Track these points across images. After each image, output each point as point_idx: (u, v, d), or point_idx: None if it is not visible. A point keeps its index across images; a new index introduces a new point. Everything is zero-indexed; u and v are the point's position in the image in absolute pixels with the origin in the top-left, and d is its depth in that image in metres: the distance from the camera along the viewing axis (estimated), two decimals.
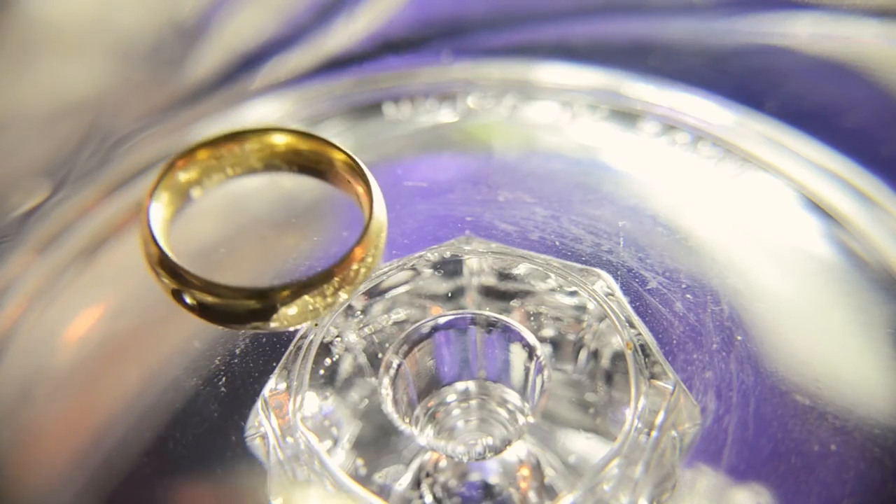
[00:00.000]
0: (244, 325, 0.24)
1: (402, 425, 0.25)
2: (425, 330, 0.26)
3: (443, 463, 0.26)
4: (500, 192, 0.32)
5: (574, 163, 0.35)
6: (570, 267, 0.28)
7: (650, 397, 0.25)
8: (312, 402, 0.26)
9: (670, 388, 0.25)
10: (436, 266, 0.28)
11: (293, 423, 0.25)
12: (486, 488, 0.26)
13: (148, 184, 0.26)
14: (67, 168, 0.33)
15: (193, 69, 0.36)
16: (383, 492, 0.25)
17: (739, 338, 0.28)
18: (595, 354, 0.27)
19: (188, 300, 0.24)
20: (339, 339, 0.27)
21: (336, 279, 0.24)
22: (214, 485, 0.26)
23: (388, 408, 0.25)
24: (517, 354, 0.26)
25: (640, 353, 0.26)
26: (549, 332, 0.27)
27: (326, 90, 0.37)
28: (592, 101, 0.36)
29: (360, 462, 0.26)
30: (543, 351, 0.26)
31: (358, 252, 0.24)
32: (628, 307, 0.27)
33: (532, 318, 0.27)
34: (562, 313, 0.27)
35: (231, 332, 0.28)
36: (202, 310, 0.24)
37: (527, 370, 0.26)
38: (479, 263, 0.28)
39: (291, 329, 0.26)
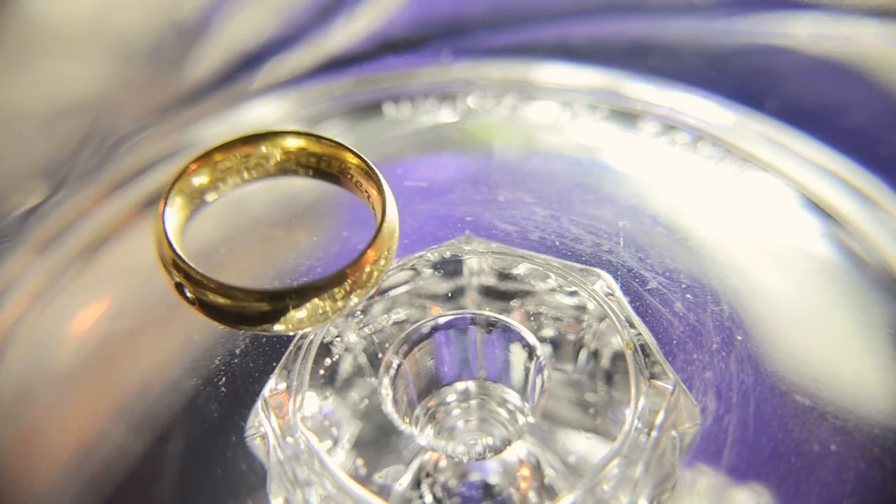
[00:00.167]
0: (253, 328, 0.24)
1: (402, 425, 0.25)
2: (425, 330, 0.26)
3: (443, 463, 0.26)
4: (500, 192, 0.32)
5: (574, 163, 0.35)
6: (570, 267, 0.28)
7: (650, 397, 0.25)
8: (312, 402, 0.26)
9: (670, 388, 0.25)
10: (436, 266, 0.28)
11: (293, 423, 0.25)
12: (486, 488, 0.26)
13: (148, 184, 0.26)
14: (67, 168, 0.33)
15: (193, 69, 0.36)
16: (383, 492, 0.25)
17: (739, 338, 0.28)
18: (595, 354, 0.27)
19: (202, 301, 0.24)
20: (339, 339, 0.27)
21: (348, 282, 0.24)
22: (214, 485, 0.26)
23: (388, 408, 0.25)
24: (517, 354, 0.26)
25: (640, 353, 0.26)
26: (549, 332, 0.27)
27: (326, 90, 0.37)
28: (592, 101, 0.36)
29: (360, 462, 0.26)
30: (543, 351, 0.26)
31: (371, 255, 0.24)
32: (628, 307, 0.27)
33: (532, 318, 0.27)
34: (562, 313, 0.27)
35: (231, 332, 0.28)
36: (214, 312, 0.24)
37: (527, 370, 0.26)
38: (479, 263, 0.28)
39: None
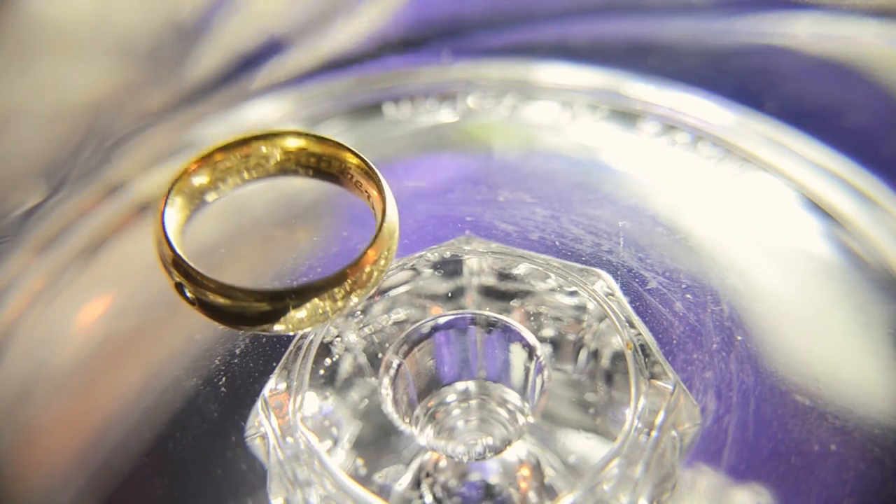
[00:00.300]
0: (253, 328, 0.24)
1: (402, 425, 0.25)
2: (425, 330, 0.26)
3: (443, 463, 0.26)
4: (500, 192, 0.32)
5: (574, 163, 0.35)
6: (570, 267, 0.28)
7: (650, 397, 0.25)
8: (312, 402, 0.26)
9: (670, 388, 0.25)
10: (436, 266, 0.28)
11: (293, 423, 0.25)
12: (486, 488, 0.26)
13: (148, 184, 0.26)
14: (67, 168, 0.33)
15: (193, 69, 0.36)
16: (383, 492, 0.25)
17: (739, 338, 0.28)
18: (595, 354, 0.27)
19: (202, 301, 0.24)
20: (339, 339, 0.27)
21: (348, 282, 0.24)
22: (214, 485, 0.26)
23: (388, 408, 0.25)
24: (517, 354, 0.26)
25: (640, 353, 0.26)
26: (549, 332, 0.27)
27: (326, 90, 0.37)
28: (592, 101, 0.36)
29: (360, 462, 0.26)
30: (543, 351, 0.26)
31: (371, 255, 0.24)
32: (628, 307, 0.27)
33: (532, 318, 0.27)
34: (562, 313, 0.27)
35: (231, 332, 0.28)
36: (214, 312, 0.24)
37: (527, 370, 0.26)
38: (479, 263, 0.28)
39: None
